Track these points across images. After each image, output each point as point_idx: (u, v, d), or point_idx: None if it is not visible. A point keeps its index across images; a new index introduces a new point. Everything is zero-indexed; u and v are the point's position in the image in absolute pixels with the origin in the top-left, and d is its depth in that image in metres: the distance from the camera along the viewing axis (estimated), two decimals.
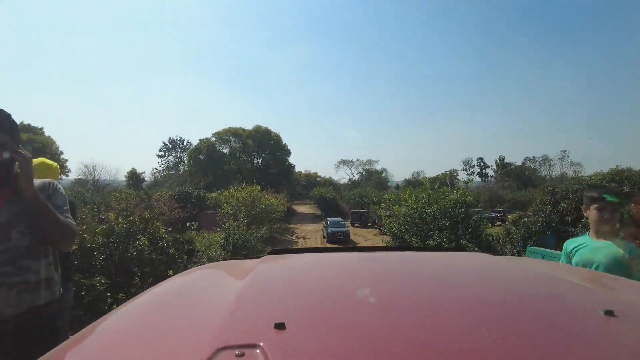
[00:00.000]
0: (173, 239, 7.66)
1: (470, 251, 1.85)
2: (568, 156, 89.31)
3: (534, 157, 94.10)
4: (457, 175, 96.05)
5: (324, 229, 31.47)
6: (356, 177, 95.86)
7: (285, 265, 1.55)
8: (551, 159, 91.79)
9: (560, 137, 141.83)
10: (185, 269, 7.05)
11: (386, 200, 15.32)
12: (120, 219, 6.83)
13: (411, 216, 10.37)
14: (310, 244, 29.08)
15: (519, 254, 11.17)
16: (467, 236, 9.18)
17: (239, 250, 16.91)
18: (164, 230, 7.91)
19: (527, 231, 11.18)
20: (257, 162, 60.73)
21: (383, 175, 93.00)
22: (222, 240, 17.18)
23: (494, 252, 9.13)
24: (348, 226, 32.94)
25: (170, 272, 6.51)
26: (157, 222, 7.66)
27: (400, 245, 10.62)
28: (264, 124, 61.88)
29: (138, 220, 7.23)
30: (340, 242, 28.66)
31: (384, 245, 25.25)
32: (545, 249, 9.72)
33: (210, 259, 12.04)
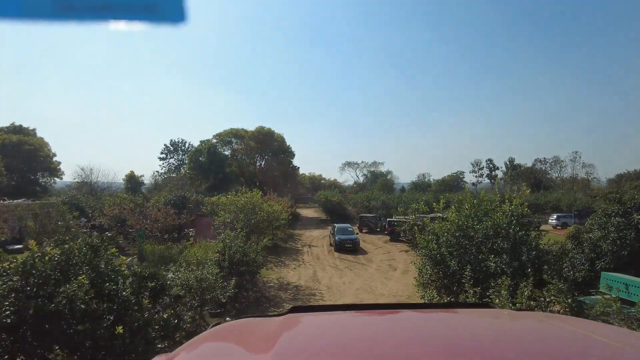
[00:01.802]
0: (132, 273, 5.49)
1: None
2: (580, 157, 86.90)
3: (544, 158, 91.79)
4: (463, 177, 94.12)
5: (331, 236, 29.34)
6: (361, 179, 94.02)
7: (310, 333, 1.50)
8: (562, 160, 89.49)
9: (572, 137, 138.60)
10: (148, 317, 4.86)
11: (409, 209, 12.70)
12: (48, 249, 4.70)
13: (454, 235, 8.11)
14: (316, 252, 26.95)
15: (585, 281, 8.99)
16: (530, 262, 6.96)
17: (237, 266, 14.74)
18: (122, 260, 5.77)
19: (594, 250, 8.93)
20: (260, 164, 58.64)
21: (388, 177, 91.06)
22: (217, 255, 15.01)
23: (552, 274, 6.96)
24: (357, 233, 30.75)
25: (119, 328, 4.37)
26: (112, 249, 5.52)
27: (441, 278, 8.38)
28: (267, 125, 59.61)
29: (81, 248, 5.08)
30: (348, 251, 26.52)
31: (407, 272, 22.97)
32: (627, 277, 7.49)
33: (189, 290, 9.87)
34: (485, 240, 7.77)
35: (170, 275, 11.61)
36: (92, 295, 4.45)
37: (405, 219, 39.85)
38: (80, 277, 4.50)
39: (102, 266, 4.90)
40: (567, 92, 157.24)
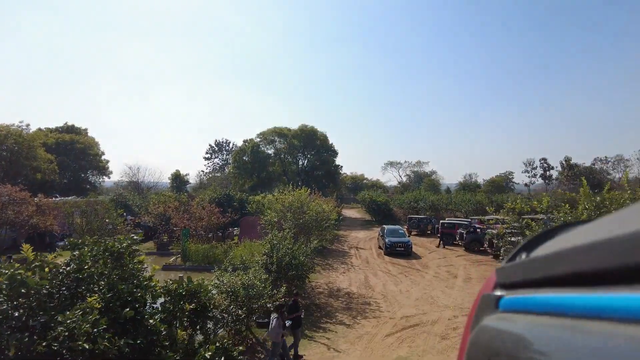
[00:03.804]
0: (165, 291, 4.08)
1: None
2: None
3: (605, 157, 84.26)
4: (513, 177, 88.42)
5: (380, 238, 27.43)
6: (404, 179, 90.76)
7: None
8: (627, 160, 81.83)
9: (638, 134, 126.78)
10: (183, 357, 3.44)
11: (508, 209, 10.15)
12: (50, 257, 3.37)
13: None
14: (365, 255, 25.19)
15: None
16: None
17: (285, 270, 13.35)
18: (154, 270, 4.38)
19: None
20: (303, 164, 57.49)
21: (433, 177, 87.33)
22: (264, 257, 13.70)
23: None
24: (409, 236, 28.69)
25: None
26: (141, 256, 4.16)
27: None
28: (310, 123, 58.41)
29: (97, 256, 3.73)
30: (400, 255, 24.52)
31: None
32: None
33: (235, 299, 8.47)
34: None
35: (214, 281, 10.37)
36: (105, 326, 3.06)
37: (421, 216, 36.81)
38: (90, 299, 3.12)
39: (123, 282, 3.51)
40: (632, 86, 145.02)
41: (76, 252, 3.55)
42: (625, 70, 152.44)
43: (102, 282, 3.59)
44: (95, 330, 3.09)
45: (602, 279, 0.54)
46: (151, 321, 3.49)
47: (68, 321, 2.95)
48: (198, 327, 4.38)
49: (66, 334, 2.93)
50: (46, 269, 3.28)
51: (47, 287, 3.23)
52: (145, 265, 4.45)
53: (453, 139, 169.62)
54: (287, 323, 9.55)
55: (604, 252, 0.54)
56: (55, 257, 3.42)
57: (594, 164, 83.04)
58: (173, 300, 4.02)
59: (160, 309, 3.87)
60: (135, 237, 4.22)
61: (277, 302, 10.51)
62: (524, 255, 0.84)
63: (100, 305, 3.25)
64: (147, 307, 3.74)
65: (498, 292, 0.84)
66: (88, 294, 3.47)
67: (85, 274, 3.47)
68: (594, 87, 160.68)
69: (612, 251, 0.52)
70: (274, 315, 9.44)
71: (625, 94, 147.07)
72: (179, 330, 3.62)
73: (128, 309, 3.48)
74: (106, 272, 3.73)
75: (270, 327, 9.40)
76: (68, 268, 3.43)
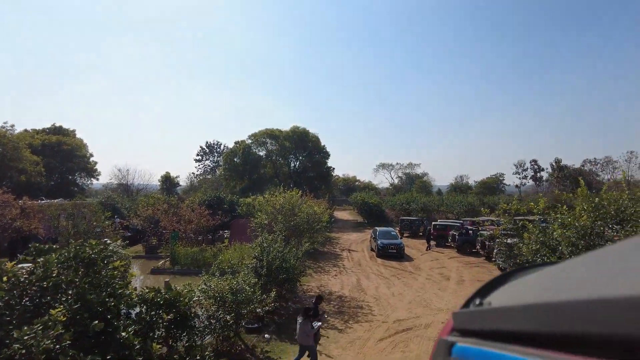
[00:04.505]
0: (141, 300, 3.77)
1: None
2: (636, 157, 79.93)
3: (594, 159, 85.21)
4: (503, 179, 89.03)
5: (372, 240, 27.24)
6: (396, 181, 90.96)
7: None
8: (615, 161, 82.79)
9: (626, 136, 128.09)
10: None
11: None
12: (9, 265, 3.05)
13: (575, 245, 5.87)
14: (357, 258, 24.96)
15: None
16: None
17: (276, 273, 13.04)
18: (131, 276, 4.07)
19: None
20: (295, 165, 57.16)
21: (425, 179, 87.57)
22: (254, 261, 13.37)
23: None
24: (401, 238, 28.54)
25: None
26: (115, 262, 3.85)
27: None
28: (302, 125, 58.07)
29: (68, 261, 3.42)
30: (392, 257, 24.33)
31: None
32: None
33: (223, 304, 8.15)
34: None
35: (201, 285, 10.03)
36: (69, 341, 2.75)
37: (413, 218, 36.63)
38: (54, 311, 2.81)
39: (94, 291, 3.20)
40: (621, 88, 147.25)
41: (41, 259, 3.24)
42: (615, 72, 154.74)
43: (71, 292, 3.29)
44: (58, 346, 2.79)
45: (546, 342, 0.54)
46: (124, 334, 3.19)
47: (25, 337, 2.65)
48: (179, 337, 4.07)
49: (23, 351, 2.63)
50: (4, 278, 2.98)
51: (5, 298, 2.92)
52: (132, 269, 4.15)
53: (444, 141, 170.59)
54: (316, 325, 9.36)
55: (542, 316, 0.54)
56: (15, 264, 3.11)
57: (583, 166, 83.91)
58: (149, 310, 3.74)
59: (135, 320, 3.57)
60: (108, 242, 3.92)
61: (305, 305, 10.28)
62: (477, 301, 0.84)
63: (65, 318, 2.94)
64: (122, 319, 3.43)
65: (452, 338, 0.83)
66: (57, 305, 3.17)
67: (51, 283, 3.17)
68: (584, 89, 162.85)
69: (550, 316, 0.53)
70: (300, 319, 9.22)
71: (615, 96, 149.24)
72: (154, 344, 3.33)
73: (98, 321, 3.18)
74: (76, 281, 3.42)
75: (297, 332, 9.18)
76: (31, 277, 3.12)
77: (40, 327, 2.80)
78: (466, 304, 0.88)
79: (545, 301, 0.55)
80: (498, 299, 0.78)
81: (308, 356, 9.21)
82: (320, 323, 9.67)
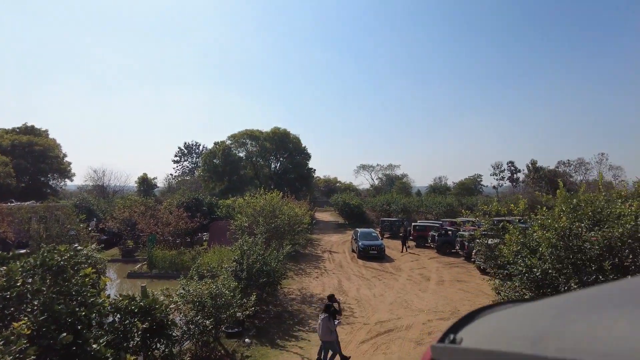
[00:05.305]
0: (115, 308, 3.58)
1: None
2: (607, 159, 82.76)
3: (568, 160, 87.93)
4: (481, 180, 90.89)
5: (353, 241, 27.29)
6: (376, 182, 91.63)
7: None
8: (587, 163, 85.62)
9: (597, 138, 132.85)
10: None
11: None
12: None
13: (554, 246, 5.96)
14: (338, 259, 24.92)
15: None
16: None
17: (256, 277, 12.84)
18: (103, 283, 3.87)
19: None
20: (275, 167, 56.77)
21: (404, 180, 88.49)
22: (234, 264, 13.14)
23: None
24: (381, 239, 28.69)
25: None
26: (87, 269, 3.66)
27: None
28: (282, 126, 57.73)
29: (35, 269, 3.21)
30: (373, 258, 24.42)
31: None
32: None
33: (202, 309, 7.95)
34: (607, 254, 5.65)
35: (179, 290, 9.77)
36: (34, 356, 2.56)
37: (393, 219, 37.11)
38: (16, 324, 2.61)
39: (63, 301, 3.01)
40: (593, 92, 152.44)
41: (4, 268, 3.03)
42: (591, 75, 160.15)
43: (37, 302, 3.08)
44: None
45: None
46: (95, 346, 3.00)
47: None
48: (154, 347, 3.88)
49: None
50: None
51: None
52: (107, 274, 3.94)
53: (424, 143, 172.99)
54: (337, 322, 9.43)
55: None
56: None
57: (557, 167, 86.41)
58: (123, 319, 3.54)
59: (108, 330, 3.38)
60: (78, 247, 3.70)
61: (326, 302, 10.34)
62: (451, 337, 0.88)
63: (29, 331, 2.74)
64: (93, 330, 3.24)
65: None
66: (21, 316, 2.96)
67: (15, 293, 2.96)
68: (560, 92, 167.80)
69: None
70: (323, 315, 9.34)
71: (587, 99, 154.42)
72: (128, 355, 3.15)
73: (66, 334, 2.99)
74: (43, 290, 3.21)
75: (320, 329, 9.29)
76: None
77: (1, 342, 2.61)
78: (442, 339, 0.92)
79: (508, 351, 0.61)
80: (469, 336, 0.84)
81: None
82: (339, 320, 9.89)
